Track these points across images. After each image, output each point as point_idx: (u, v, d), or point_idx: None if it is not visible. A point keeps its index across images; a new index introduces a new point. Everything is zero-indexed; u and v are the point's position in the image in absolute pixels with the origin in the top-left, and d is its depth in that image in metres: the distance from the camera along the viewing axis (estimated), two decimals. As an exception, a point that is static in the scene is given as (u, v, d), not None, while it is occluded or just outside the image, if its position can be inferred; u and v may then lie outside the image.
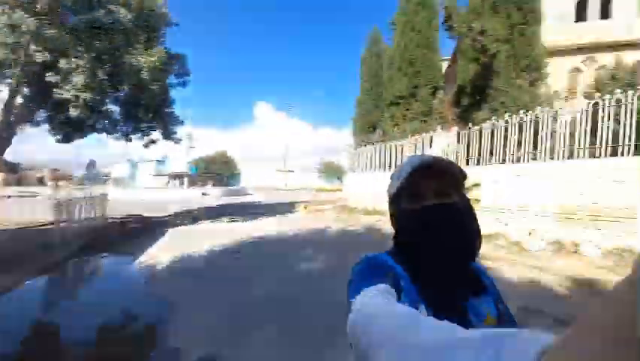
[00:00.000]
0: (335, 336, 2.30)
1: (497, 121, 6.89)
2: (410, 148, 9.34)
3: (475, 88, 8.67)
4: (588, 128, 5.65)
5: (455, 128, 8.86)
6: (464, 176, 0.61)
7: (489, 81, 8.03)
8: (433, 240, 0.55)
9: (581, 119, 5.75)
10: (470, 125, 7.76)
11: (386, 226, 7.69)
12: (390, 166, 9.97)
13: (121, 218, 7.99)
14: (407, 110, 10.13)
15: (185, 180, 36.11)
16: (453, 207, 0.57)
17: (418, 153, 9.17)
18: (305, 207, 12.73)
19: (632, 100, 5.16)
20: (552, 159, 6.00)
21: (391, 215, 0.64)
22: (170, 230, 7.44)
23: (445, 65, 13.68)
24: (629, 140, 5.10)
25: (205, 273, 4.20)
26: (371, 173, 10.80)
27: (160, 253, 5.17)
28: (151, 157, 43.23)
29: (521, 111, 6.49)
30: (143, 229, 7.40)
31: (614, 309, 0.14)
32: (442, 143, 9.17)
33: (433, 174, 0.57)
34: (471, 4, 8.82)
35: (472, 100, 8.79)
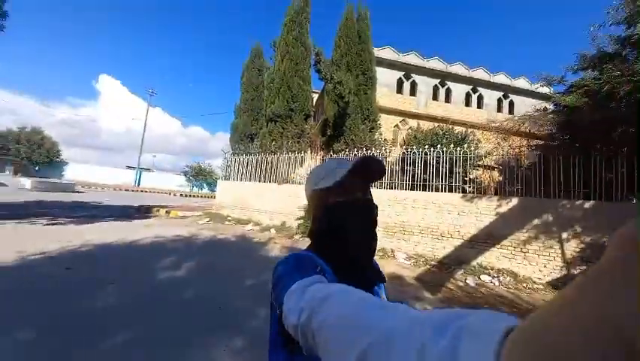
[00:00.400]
0: None
1: (349, 153, 8.98)
2: (285, 164, 10.39)
3: (335, 123, 10.90)
4: (399, 168, 8.38)
5: (322, 153, 10.69)
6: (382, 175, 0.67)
7: (345, 120, 10.39)
8: (358, 228, 0.61)
9: (396, 161, 8.46)
10: (331, 152, 9.65)
11: (258, 235, 8.18)
12: (265, 178, 10.63)
13: None
14: (284, 128, 11.26)
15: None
16: (372, 201, 0.65)
17: (291, 169, 10.36)
18: (167, 213, 11.27)
19: (421, 153, 8.15)
20: (380, 188, 8.42)
21: (315, 208, 0.66)
22: None
23: (316, 96, 16.16)
24: (420, 179, 7.95)
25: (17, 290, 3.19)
26: (246, 182, 11.07)
27: None
28: None
29: (364, 149, 8.80)
30: None
31: (595, 287, 0.14)
32: (311, 164, 10.79)
33: (369, 172, 0.63)
34: (334, 58, 11.32)
35: (333, 132, 10.97)
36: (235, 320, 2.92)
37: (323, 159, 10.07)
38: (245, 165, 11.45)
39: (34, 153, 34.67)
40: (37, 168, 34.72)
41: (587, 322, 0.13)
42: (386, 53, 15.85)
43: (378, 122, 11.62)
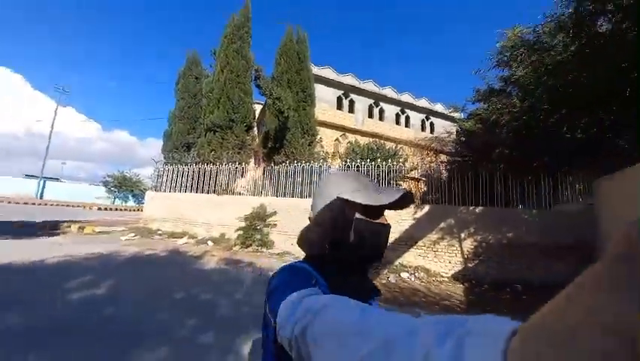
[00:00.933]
0: None
1: (289, 165, 9.31)
2: (225, 174, 10.13)
3: (276, 136, 11.21)
4: None
5: (263, 165, 10.77)
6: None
7: (285, 133, 10.79)
8: (374, 248, 0.62)
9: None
10: (272, 163, 9.84)
11: (193, 248, 7.75)
12: (203, 189, 10.16)
13: None
14: (224, 139, 11.05)
15: None
16: (389, 227, 0.65)
17: (232, 179, 10.15)
18: (81, 229, 9.76)
19: (363, 166, 8.94)
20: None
21: (334, 215, 0.62)
22: None
23: (259, 108, 16.30)
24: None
25: None
26: (182, 194, 10.40)
27: None
28: None
29: (304, 162, 9.25)
30: None
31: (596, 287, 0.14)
32: (253, 175, 10.77)
33: (403, 204, 0.64)
34: (275, 75, 11.82)
35: (274, 144, 11.24)
36: (161, 333, 2.85)
37: (265, 171, 10.16)
38: (180, 175, 10.76)
39: None
40: None
41: (588, 321, 0.14)
42: (327, 72, 16.99)
43: (319, 137, 12.33)
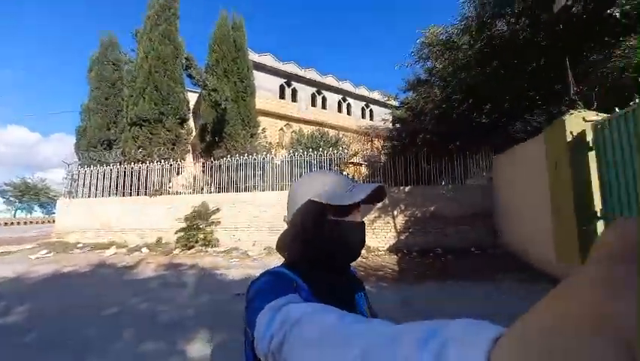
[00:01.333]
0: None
1: (230, 158, 8.91)
2: (157, 173, 9.20)
3: (215, 129, 10.57)
4: (289, 170, 8.89)
5: (202, 160, 10.09)
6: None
7: (224, 126, 10.25)
8: (350, 247, 0.62)
9: (283, 164, 8.95)
10: (212, 158, 9.30)
11: (125, 258, 6.98)
12: (132, 191, 9.09)
13: None
14: (153, 134, 9.96)
15: None
16: (363, 224, 0.66)
17: (165, 178, 9.27)
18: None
19: (305, 155, 8.98)
20: (263, 190, 8.76)
21: (309, 218, 0.62)
22: None
23: (194, 97, 15.02)
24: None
25: None
26: (104, 198, 9.15)
27: None
28: None
29: (246, 155, 8.96)
30: None
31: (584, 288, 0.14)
32: (192, 171, 10.02)
33: (375, 198, 0.64)
34: (209, 63, 10.95)
35: (213, 138, 10.61)
36: (93, 353, 2.59)
37: (204, 166, 9.54)
38: (101, 177, 9.42)
39: None
40: None
41: (583, 321, 0.13)
42: (267, 59, 16.46)
43: (263, 127, 12.00)
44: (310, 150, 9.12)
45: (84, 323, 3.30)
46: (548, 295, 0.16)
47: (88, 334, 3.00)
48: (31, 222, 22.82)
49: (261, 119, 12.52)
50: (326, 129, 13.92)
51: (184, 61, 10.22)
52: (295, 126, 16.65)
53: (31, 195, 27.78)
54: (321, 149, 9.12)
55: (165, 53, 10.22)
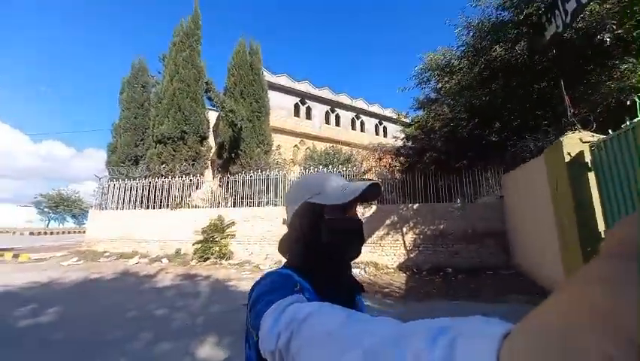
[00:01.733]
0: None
1: (245, 174, 9.40)
2: (178, 188, 9.83)
3: (231, 147, 11.26)
4: None
5: (219, 176, 10.70)
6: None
7: (240, 144, 10.91)
8: (349, 245, 0.63)
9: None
10: (228, 174, 9.85)
11: (146, 268, 7.45)
12: (155, 204, 9.74)
13: None
14: (175, 151, 10.75)
15: None
16: (360, 221, 0.67)
17: (186, 193, 9.88)
18: (16, 257, 8.71)
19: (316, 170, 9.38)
20: (276, 205, 9.10)
21: (306, 220, 0.63)
22: None
23: (215, 115, 16.02)
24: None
25: None
26: (130, 210, 9.85)
27: None
28: None
29: (259, 171, 9.43)
30: None
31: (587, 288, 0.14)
32: (210, 186, 10.60)
33: (370, 195, 0.65)
34: (227, 85, 11.90)
35: (229, 155, 11.27)
36: (115, 351, 2.91)
37: (221, 181, 10.10)
38: (128, 190, 10.18)
39: None
40: None
41: (584, 318, 0.13)
42: (283, 80, 17.35)
43: (277, 144, 12.63)
44: (322, 166, 9.47)
45: (107, 324, 3.66)
46: (553, 293, 0.16)
47: (110, 334, 3.34)
48: (63, 232, 24.40)
49: (277, 136, 13.19)
50: (340, 146, 14.31)
51: (204, 85, 11.11)
52: (309, 143, 17.17)
53: (65, 207, 29.77)
54: (332, 165, 9.45)
55: (188, 76, 11.19)
